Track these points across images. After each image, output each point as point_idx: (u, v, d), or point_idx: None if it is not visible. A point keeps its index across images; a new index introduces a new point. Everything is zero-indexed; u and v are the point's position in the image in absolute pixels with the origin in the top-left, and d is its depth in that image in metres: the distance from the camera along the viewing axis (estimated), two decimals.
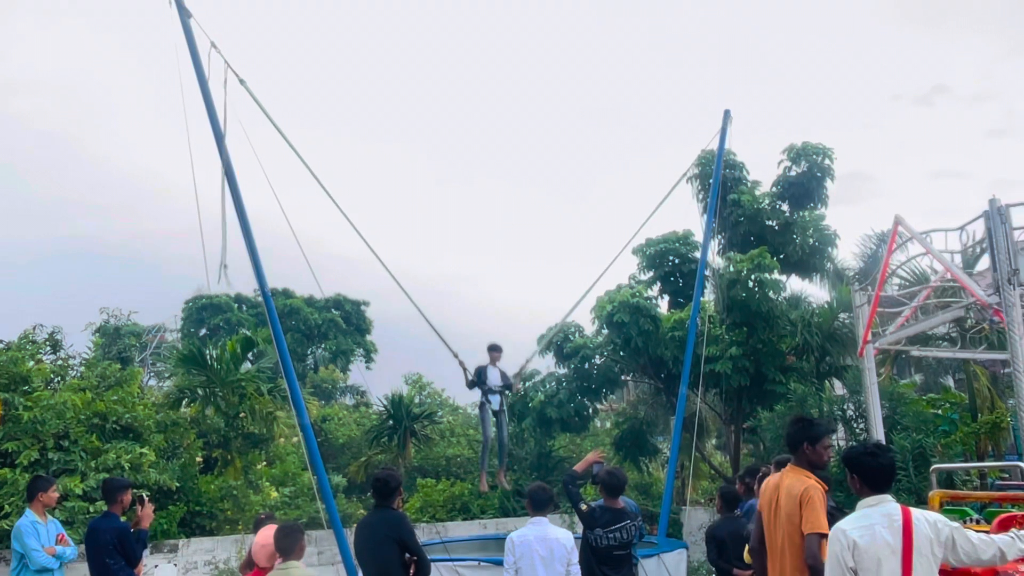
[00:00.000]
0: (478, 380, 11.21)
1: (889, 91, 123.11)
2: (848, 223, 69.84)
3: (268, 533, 6.42)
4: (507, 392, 11.63)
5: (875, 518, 3.99)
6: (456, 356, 11.00)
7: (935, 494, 9.61)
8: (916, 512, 4.03)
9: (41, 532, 7.14)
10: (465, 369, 11.13)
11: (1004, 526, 6.94)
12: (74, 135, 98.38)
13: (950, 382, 21.18)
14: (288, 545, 5.72)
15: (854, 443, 14.71)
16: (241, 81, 9.79)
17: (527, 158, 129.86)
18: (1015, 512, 7.48)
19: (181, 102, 9.37)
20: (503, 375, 11.47)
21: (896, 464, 4.32)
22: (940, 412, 15.33)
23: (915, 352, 10.16)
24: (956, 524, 4.11)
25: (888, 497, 4.09)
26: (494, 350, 11.42)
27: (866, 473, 4.15)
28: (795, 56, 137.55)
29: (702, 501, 18.97)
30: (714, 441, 24.56)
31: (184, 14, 9.74)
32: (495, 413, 11.41)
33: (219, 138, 9.61)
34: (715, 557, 7.89)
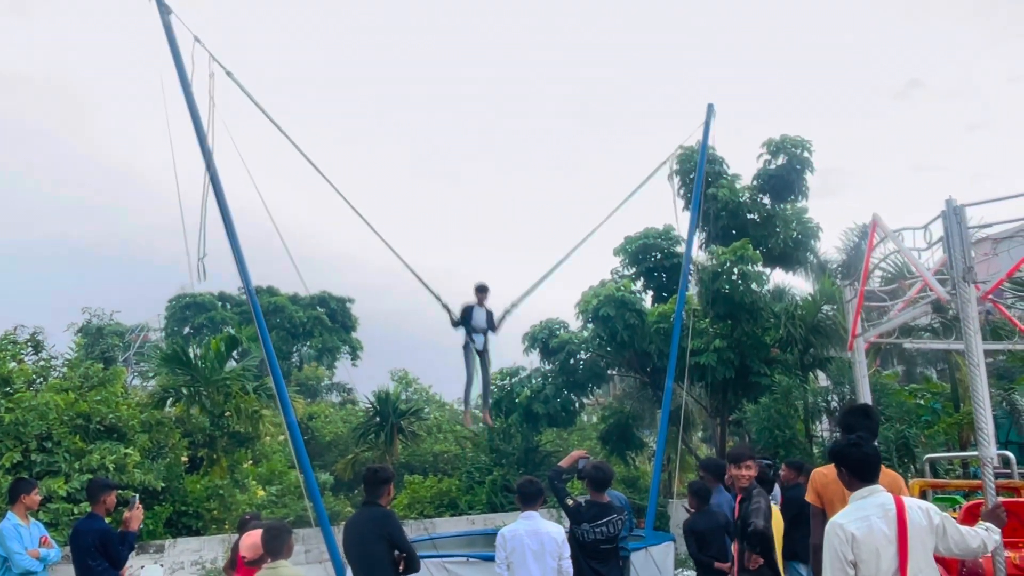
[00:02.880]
0: (463, 320, 10.96)
1: (866, 86, 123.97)
2: (829, 216, 70.29)
3: (253, 533, 6.41)
4: (490, 333, 11.27)
5: (870, 509, 4.02)
6: (439, 298, 10.78)
7: (915, 482, 9.73)
8: (908, 501, 4.08)
9: (24, 535, 7.08)
10: (449, 310, 10.88)
11: (970, 513, 7.06)
12: (55, 133, 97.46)
13: (932, 373, 21.40)
14: (276, 546, 5.68)
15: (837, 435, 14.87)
16: (228, 73, 9.60)
17: (511, 152, 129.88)
18: (980, 499, 7.61)
19: (163, 99, 9.25)
20: (489, 316, 11.17)
21: (880, 454, 4.35)
22: (923, 402, 15.49)
23: (907, 344, 10.31)
24: (945, 514, 4.18)
25: (879, 487, 4.13)
26: (481, 291, 11.10)
27: (852, 465, 4.19)
28: (771, 51, 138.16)
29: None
30: (700, 434, 24.71)
31: (164, 10, 9.63)
32: (479, 353, 11.17)
33: (201, 136, 9.50)
34: (695, 551, 7.92)
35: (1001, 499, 5.90)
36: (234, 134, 9.53)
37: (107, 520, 7.46)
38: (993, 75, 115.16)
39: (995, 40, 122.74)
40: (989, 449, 5.71)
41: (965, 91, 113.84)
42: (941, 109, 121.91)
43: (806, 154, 17.75)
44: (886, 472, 5.03)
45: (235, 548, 6.74)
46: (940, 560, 5.67)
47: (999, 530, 4.36)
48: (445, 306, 10.82)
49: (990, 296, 7.90)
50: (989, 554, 5.28)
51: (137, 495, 8.00)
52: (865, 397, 8.72)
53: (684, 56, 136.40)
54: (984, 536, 4.19)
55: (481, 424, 11.62)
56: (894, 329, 9.36)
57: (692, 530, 7.88)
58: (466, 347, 11.14)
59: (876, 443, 4.75)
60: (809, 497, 5.32)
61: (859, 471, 4.16)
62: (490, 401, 11.48)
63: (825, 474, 5.23)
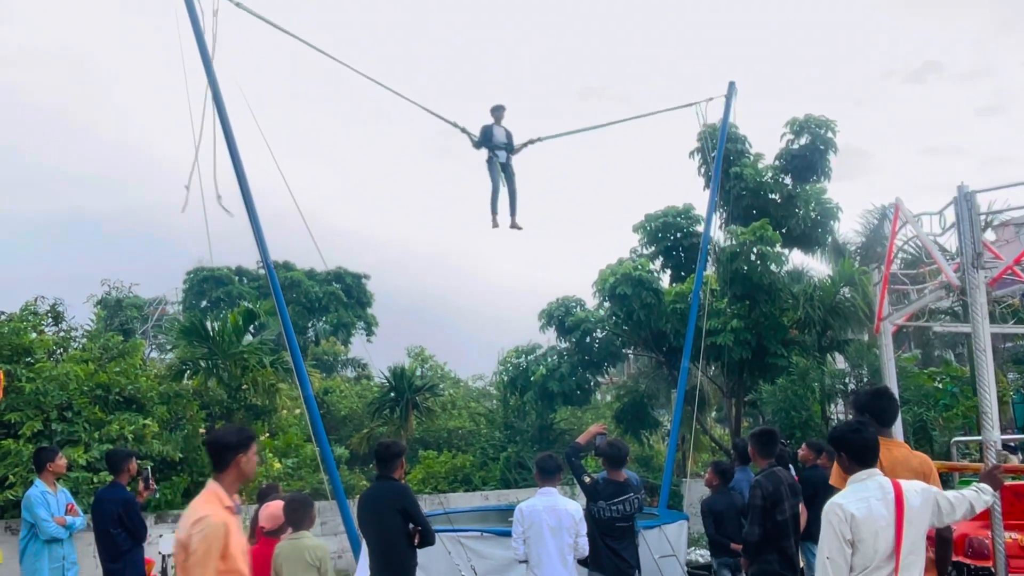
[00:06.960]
0: (483, 139, 11.11)
1: (881, 68, 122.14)
2: (844, 198, 69.60)
3: (272, 504, 6.46)
4: (510, 150, 11.40)
5: (870, 491, 4.12)
6: (455, 124, 10.92)
7: (936, 465, 9.74)
8: (905, 484, 4.18)
9: (51, 502, 7.19)
10: (468, 133, 11.03)
11: None
12: (72, 107, 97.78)
13: (950, 356, 21.26)
14: (298, 517, 5.81)
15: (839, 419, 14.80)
16: (237, 3, 9.44)
17: (525, 132, 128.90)
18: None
19: (182, 62, 9.20)
20: (508, 134, 11.34)
21: (878, 439, 4.43)
22: (941, 386, 15.40)
23: (937, 328, 10.31)
24: (935, 488, 4.34)
25: (876, 471, 4.23)
26: (497, 110, 11.27)
27: (852, 450, 4.27)
28: (787, 33, 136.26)
29: (702, 473, 19.11)
30: (715, 414, 24.69)
31: None
32: (503, 166, 11.32)
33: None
34: (713, 531, 7.94)
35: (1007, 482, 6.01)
36: (252, 108, 9.51)
37: (127, 488, 7.57)
38: (1006, 58, 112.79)
39: (1008, 22, 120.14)
40: (992, 433, 5.85)
41: (979, 74, 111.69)
42: (955, 92, 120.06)
43: (830, 134, 17.53)
44: (915, 454, 5.05)
45: (254, 519, 6.80)
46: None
47: (992, 490, 4.51)
48: (463, 130, 10.96)
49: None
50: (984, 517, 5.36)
51: (149, 465, 8.10)
52: (891, 380, 8.70)
53: (700, 36, 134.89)
54: (972, 497, 4.35)
55: (511, 227, 11.51)
56: (921, 312, 9.32)
57: (710, 510, 7.92)
58: (489, 161, 11.28)
59: (896, 426, 4.77)
60: (834, 481, 5.31)
61: (859, 456, 4.26)
62: (518, 209, 11.57)
63: None
